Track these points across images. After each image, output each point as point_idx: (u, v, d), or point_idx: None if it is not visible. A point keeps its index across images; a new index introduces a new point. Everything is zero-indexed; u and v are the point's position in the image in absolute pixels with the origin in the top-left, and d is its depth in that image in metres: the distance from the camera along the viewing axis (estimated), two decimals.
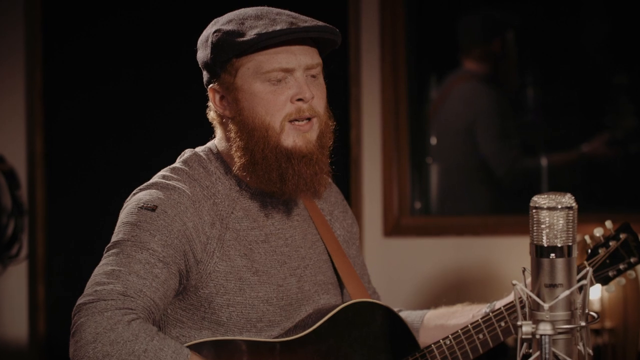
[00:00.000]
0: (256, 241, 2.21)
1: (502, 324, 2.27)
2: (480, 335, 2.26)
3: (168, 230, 2.11)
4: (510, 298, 2.30)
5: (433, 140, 4.52)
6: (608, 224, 2.30)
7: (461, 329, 2.27)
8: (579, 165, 4.41)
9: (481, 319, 2.28)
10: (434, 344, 2.28)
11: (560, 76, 4.45)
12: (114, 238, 2.14)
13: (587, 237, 2.34)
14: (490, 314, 2.28)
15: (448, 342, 2.27)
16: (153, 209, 2.12)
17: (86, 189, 4.58)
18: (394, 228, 4.42)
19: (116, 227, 2.16)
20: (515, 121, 4.51)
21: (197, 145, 2.31)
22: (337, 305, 2.23)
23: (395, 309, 2.35)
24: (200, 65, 2.24)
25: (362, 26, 4.40)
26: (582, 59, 4.45)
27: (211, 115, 2.25)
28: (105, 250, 2.13)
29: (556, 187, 4.35)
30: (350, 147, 4.39)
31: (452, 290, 4.36)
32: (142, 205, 2.13)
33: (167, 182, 2.18)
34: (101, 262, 2.10)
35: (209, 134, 2.31)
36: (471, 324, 2.27)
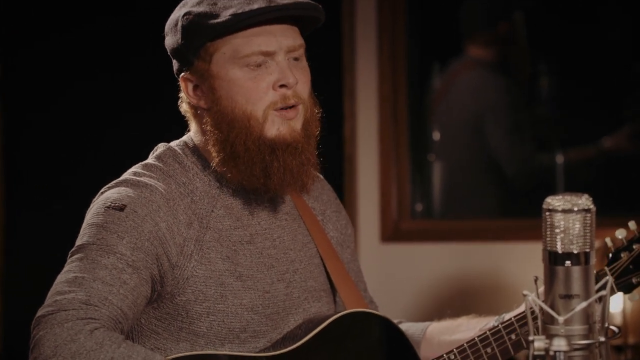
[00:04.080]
0: (240, 242, 2.20)
1: (513, 336, 2.26)
2: (489, 349, 2.26)
3: (138, 232, 2.10)
4: (521, 309, 2.29)
5: (435, 136, 4.53)
6: (631, 224, 2.29)
7: (467, 342, 2.27)
8: (597, 162, 4.41)
9: (489, 331, 2.27)
10: (437, 358, 2.27)
11: (576, 65, 4.46)
12: (78, 241, 2.13)
13: (608, 240, 2.33)
14: (500, 325, 2.27)
15: (452, 356, 2.26)
16: (121, 208, 2.12)
17: (48, 193, 4.58)
18: (392, 233, 4.42)
19: (81, 230, 2.15)
20: (527, 114, 4.51)
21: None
22: (330, 316, 2.22)
23: (395, 321, 2.35)
24: (169, 53, 2.24)
25: (357, 9, 4.40)
26: (601, 46, 4.45)
27: (184, 107, 2.26)
28: (69, 255, 2.12)
29: (572, 186, 4.35)
30: (343, 143, 4.39)
31: (456, 301, 4.36)
32: (110, 205, 2.13)
33: (138, 178, 2.18)
34: (64, 269, 2.09)
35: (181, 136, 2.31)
36: (478, 336, 2.27)
